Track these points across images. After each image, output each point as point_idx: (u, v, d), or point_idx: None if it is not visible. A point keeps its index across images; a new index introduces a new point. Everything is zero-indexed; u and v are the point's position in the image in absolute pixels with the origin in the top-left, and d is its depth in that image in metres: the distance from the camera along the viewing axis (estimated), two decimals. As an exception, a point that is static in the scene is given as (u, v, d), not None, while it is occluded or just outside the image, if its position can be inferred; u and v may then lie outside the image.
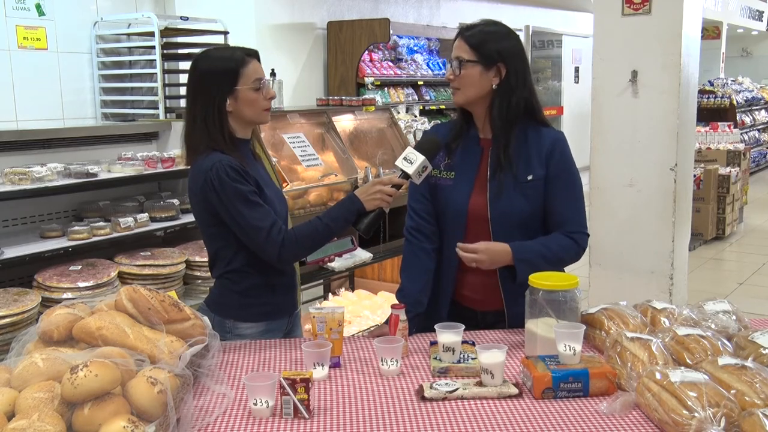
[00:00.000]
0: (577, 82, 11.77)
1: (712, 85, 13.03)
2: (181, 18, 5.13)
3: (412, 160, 2.18)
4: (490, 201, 2.26)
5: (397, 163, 2.20)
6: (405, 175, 2.20)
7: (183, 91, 5.43)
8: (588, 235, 2.35)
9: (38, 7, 4.87)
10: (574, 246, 2.29)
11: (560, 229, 2.30)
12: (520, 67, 2.25)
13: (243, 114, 2.27)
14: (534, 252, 2.21)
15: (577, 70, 11.83)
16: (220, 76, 2.23)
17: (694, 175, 7.13)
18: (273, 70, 4.85)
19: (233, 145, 2.26)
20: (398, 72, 7.54)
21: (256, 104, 2.26)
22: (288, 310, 2.45)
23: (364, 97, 5.26)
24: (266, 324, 2.37)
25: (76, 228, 3.30)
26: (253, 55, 2.28)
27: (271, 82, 2.35)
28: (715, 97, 12.50)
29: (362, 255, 4.10)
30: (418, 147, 2.22)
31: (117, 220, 3.42)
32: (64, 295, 3.10)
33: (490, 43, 2.23)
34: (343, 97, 4.82)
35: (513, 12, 9.97)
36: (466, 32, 2.27)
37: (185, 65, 5.43)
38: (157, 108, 4.90)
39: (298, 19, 6.54)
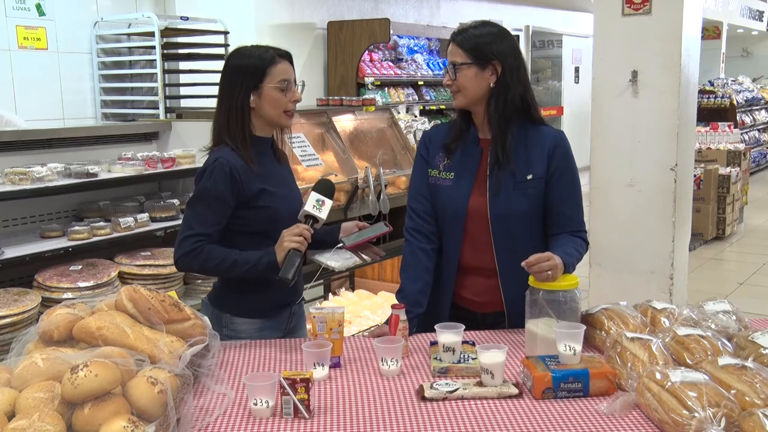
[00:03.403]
0: (577, 82, 11.78)
1: (712, 85, 13.03)
2: (181, 18, 5.14)
3: (321, 208, 2.19)
4: (489, 201, 2.26)
5: (306, 208, 2.18)
6: (314, 220, 2.19)
7: (183, 91, 5.45)
8: (586, 232, 2.36)
9: (38, 7, 4.87)
10: (585, 245, 2.31)
11: (563, 227, 2.30)
12: (514, 64, 2.25)
13: (264, 113, 2.29)
14: (571, 256, 2.18)
15: (577, 70, 11.84)
16: (248, 71, 2.26)
17: (695, 175, 7.13)
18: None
19: (249, 142, 2.28)
20: (398, 72, 7.55)
21: (278, 104, 2.27)
22: (285, 309, 2.44)
23: (364, 97, 5.26)
24: (262, 321, 2.37)
25: (76, 228, 3.30)
26: (285, 56, 2.30)
27: (299, 87, 2.37)
28: (715, 97, 12.50)
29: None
30: (321, 191, 2.22)
31: (117, 220, 3.42)
32: (64, 295, 3.10)
33: (482, 43, 2.23)
34: (343, 97, 4.82)
35: (513, 12, 9.98)
36: (458, 36, 2.27)
37: (185, 65, 5.44)
38: (158, 108, 4.90)
39: (298, 19, 6.54)
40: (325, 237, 2.40)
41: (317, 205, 2.18)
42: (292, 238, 2.14)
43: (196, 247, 2.22)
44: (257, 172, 2.28)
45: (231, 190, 2.23)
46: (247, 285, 2.33)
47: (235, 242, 2.28)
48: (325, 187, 2.23)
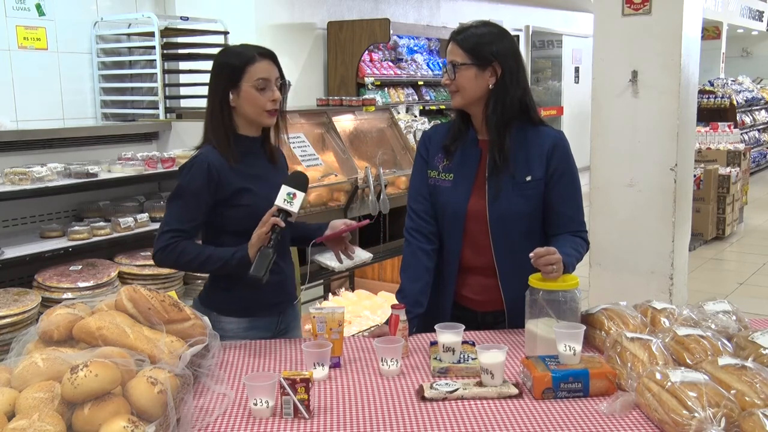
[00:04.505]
0: (577, 82, 11.77)
1: (712, 85, 13.03)
2: (181, 18, 5.14)
3: (293, 201, 2.15)
4: (488, 202, 2.26)
5: (278, 203, 2.14)
6: (286, 214, 2.16)
7: (183, 91, 5.45)
8: (587, 232, 2.36)
9: (38, 7, 4.88)
10: (585, 245, 2.30)
11: (563, 228, 2.29)
12: (513, 66, 2.24)
13: (244, 111, 2.29)
14: (570, 256, 2.17)
15: (577, 70, 11.84)
16: (228, 69, 2.27)
17: (694, 175, 7.13)
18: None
19: (231, 141, 2.28)
20: (398, 72, 7.55)
21: (256, 103, 2.26)
22: (274, 309, 2.41)
23: (364, 97, 5.26)
24: (249, 321, 2.36)
25: (76, 228, 3.30)
26: (267, 55, 2.30)
27: (288, 86, 2.36)
28: (715, 97, 12.50)
29: (362, 255, 4.09)
30: (292, 183, 2.18)
31: (117, 220, 3.42)
32: (64, 295, 3.10)
33: (482, 44, 2.22)
34: (343, 97, 4.82)
35: (513, 12, 9.98)
36: (458, 36, 2.26)
37: (185, 65, 5.44)
38: (157, 108, 4.90)
39: (298, 19, 6.54)
40: (315, 234, 2.40)
41: (288, 199, 2.15)
42: (259, 232, 2.13)
43: (171, 242, 2.22)
44: (240, 170, 2.27)
45: (208, 187, 2.23)
46: (234, 284, 2.31)
47: (220, 241, 2.29)
48: (296, 180, 2.19)
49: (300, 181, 2.19)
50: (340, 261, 2.46)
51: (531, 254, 2.05)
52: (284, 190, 2.16)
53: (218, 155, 2.26)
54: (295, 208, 2.14)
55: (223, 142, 2.27)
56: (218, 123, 2.28)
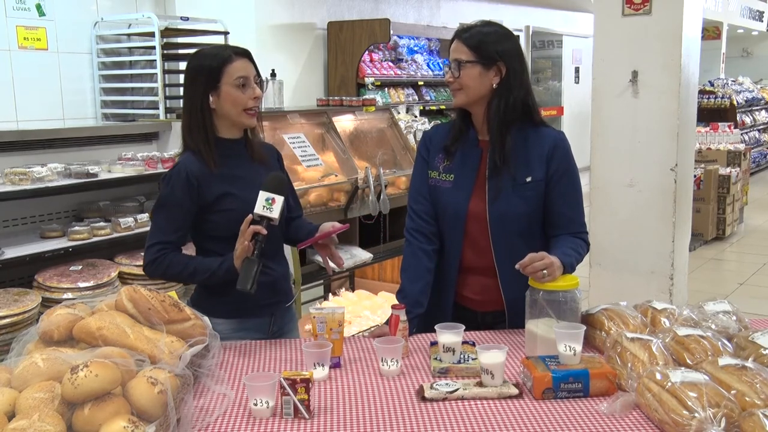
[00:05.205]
0: (577, 82, 11.77)
1: (712, 85, 13.03)
2: (181, 18, 5.14)
3: (272, 206, 2.11)
4: (488, 203, 2.26)
5: (257, 211, 2.11)
6: (267, 220, 2.12)
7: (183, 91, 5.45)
8: (587, 233, 2.36)
9: (38, 7, 4.88)
10: (585, 246, 2.30)
11: (563, 229, 2.29)
12: (518, 67, 2.24)
13: (225, 112, 2.26)
14: (569, 256, 2.16)
15: (577, 70, 11.84)
16: (204, 72, 2.24)
17: (695, 176, 7.13)
18: (273, 70, 4.86)
19: (212, 145, 2.26)
20: (398, 72, 7.54)
21: (238, 103, 2.24)
22: (265, 310, 2.39)
23: (364, 97, 5.26)
24: (239, 322, 2.34)
25: (77, 228, 3.30)
26: (242, 54, 2.27)
27: (266, 83, 2.32)
28: (716, 98, 12.50)
29: (362, 255, 4.10)
30: (270, 188, 2.14)
31: (117, 220, 3.43)
32: (65, 296, 3.10)
33: (488, 43, 2.22)
34: (344, 98, 4.82)
35: (513, 12, 9.98)
36: (464, 34, 2.26)
37: (185, 65, 5.44)
38: (158, 108, 4.90)
39: (298, 19, 6.54)
40: (306, 236, 2.38)
41: (267, 205, 2.11)
42: (241, 243, 2.11)
43: (158, 255, 2.22)
44: (222, 175, 2.25)
45: (189, 196, 2.22)
46: (223, 285, 2.29)
47: (208, 246, 2.29)
48: (273, 184, 2.15)
49: (278, 185, 2.15)
50: (328, 267, 2.41)
51: (516, 266, 2.05)
52: (262, 195, 2.12)
53: (198, 162, 2.24)
54: (275, 213, 2.11)
55: (204, 147, 2.25)
56: (198, 128, 2.25)
